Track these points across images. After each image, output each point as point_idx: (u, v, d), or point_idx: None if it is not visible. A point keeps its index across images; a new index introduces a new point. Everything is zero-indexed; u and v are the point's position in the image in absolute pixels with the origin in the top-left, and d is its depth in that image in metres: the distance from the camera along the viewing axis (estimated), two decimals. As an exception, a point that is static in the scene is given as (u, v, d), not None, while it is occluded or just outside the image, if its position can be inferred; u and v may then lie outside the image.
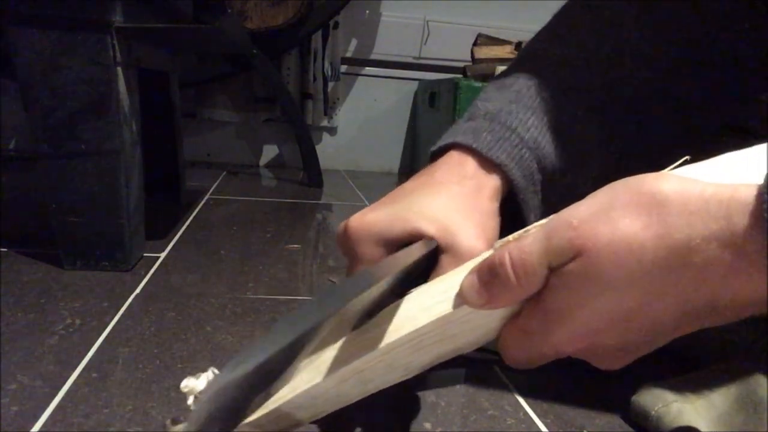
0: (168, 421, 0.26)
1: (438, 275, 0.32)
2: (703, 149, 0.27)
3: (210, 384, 0.21)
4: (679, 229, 0.23)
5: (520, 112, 0.41)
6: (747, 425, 0.36)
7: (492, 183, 0.39)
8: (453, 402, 0.43)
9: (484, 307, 0.28)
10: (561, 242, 0.26)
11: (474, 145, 0.39)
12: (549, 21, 0.47)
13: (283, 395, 0.30)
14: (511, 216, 0.40)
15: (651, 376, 0.42)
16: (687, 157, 0.26)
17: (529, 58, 0.45)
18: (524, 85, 0.42)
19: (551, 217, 0.27)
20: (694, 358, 0.47)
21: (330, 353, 0.30)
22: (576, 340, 0.28)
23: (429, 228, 0.34)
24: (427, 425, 0.39)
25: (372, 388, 0.31)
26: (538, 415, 0.42)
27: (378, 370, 0.31)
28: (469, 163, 0.39)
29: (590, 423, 0.42)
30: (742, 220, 0.22)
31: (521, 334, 0.29)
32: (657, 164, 0.27)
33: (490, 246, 0.31)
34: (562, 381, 0.48)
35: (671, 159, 0.27)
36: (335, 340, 0.30)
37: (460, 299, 0.29)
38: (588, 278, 0.25)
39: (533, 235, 0.27)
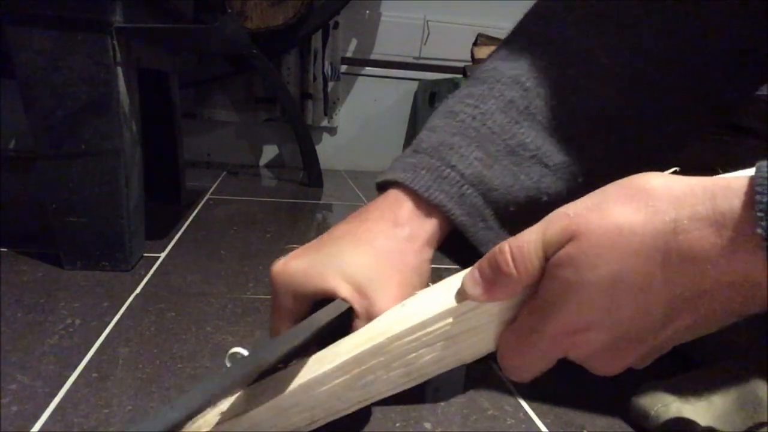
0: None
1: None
2: (702, 148, 0.28)
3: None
4: (666, 212, 0.25)
5: (462, 147, 0.39)
6: (747, 425, 0.36)
7: (427, 229, 0.38)
8: (453, 402, 0.43)
9: (484, 298, 0.29)
10: (555, 230, 0.27)
11: (412, 185, 0.38)
12: (506, 36, 0.45)
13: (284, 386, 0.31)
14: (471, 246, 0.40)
15: (651, 376, 0.42)
16: (676, 168, 0.27)
17: (481, 78, 0.42)
18: (469, 115, 0.40)
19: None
20: (694, 359, 0.47)
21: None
22: (569, 332, 0.28)
23: (344, 290, 0.34)
24: (427, 425, 0.39)
25: (369, 392, 0.32)
26: (538, 415, 0.42)
27: (379, 365, 0.31)
28: (405, 206, 0.38)
29: (590, 423, 0.42)
30: (727, 202, 0.23)
31: (517, 336, 0.30)
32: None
33: None
34: (563, 381, 0.48)
35: (649, 169, 0.28)
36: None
37: (462, 294, 0.30)
38: (580, 260, 0.26)
39: (531, 228, 0.28)
